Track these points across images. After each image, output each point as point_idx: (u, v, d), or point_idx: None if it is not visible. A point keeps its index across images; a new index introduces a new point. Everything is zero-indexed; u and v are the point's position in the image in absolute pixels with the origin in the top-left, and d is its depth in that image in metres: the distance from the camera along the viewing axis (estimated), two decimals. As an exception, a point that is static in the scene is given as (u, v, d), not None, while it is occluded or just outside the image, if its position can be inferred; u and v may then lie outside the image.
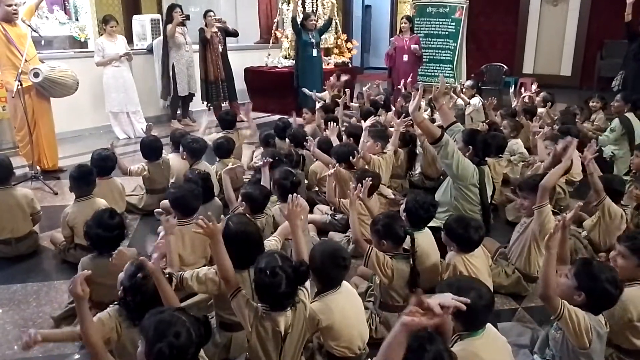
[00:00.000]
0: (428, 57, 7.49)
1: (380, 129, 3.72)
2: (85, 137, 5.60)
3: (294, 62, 6.85)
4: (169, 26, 5.73)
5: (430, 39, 7.69)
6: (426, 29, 7.73)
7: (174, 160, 3.59)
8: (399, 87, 5.77)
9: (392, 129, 3.68)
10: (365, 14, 12.11)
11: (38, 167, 4.05)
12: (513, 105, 5.11)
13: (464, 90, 5.62)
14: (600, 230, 2.70)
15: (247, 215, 2.37)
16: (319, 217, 3.22)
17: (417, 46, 6.49)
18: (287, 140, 3.89)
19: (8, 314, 2.33)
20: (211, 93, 6.19)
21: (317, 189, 3.53)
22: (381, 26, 11.54)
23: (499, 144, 3.50)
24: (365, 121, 3.95)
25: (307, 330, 1.73)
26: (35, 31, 3.93)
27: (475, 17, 8.91)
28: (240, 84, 6.93)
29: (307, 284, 1.76)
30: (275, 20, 7.64)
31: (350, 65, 8.04)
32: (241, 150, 4.22)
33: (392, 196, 3.26)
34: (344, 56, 7.88)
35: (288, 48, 7.32)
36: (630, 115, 4.36)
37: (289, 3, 7.22)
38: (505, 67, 8.15)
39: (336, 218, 3.11)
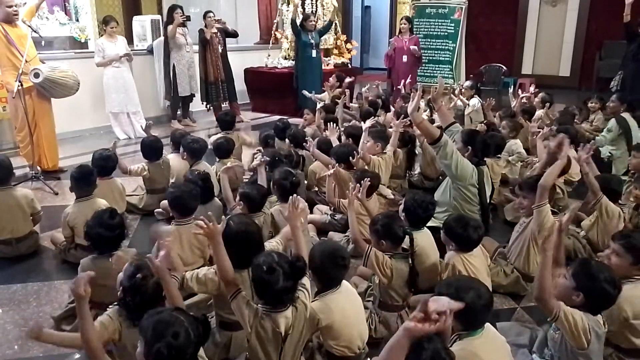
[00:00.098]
0: (427, 57, 7.50)
1: (381, 129, 3.74)
2: (85, 137, 5.60)
3: (293, 62, 6.86)
4: (170, 27, 5.74)
5: (429, 40, 7.70)
6: (425, 29, 7.75)
7: (174, 160, 3.60)
8: (398, 87, 5.78)
9: (391, 130, 3.69)
10: (365, 15, 12.12)
11: (38, 168, 4.06)
12: (512, 106, 5.12)
13: (462, 91, 5.64)
14: (598, 229, 2.71)
15: (245, 214, 2.38)
16: (319, 217, 3.23)
17: (416, 47, 6.50)
18: (287, 140, 3.90)
19: (8, 314, 2.33)
20: (211, 94, 6.20)
21: (316, 189, 3.54)
22: (380, 27, 11.56)
23: (497, 144, 3.51)
24: (364, 122, 3.96)
25: (307, 330, 1.73)
26: (35, 32, 3.94)
27: (475, 17, 8.93)
28: (240, 85, 6.94)
29: (308, 284, 1.76)
30: (275, 21, 7.66)
31: (349, 66, 8.06)
32: (241, 151, 4.23)
33: (392, 196, 3.27)
34: (343, 57, 7.89)
35: (288, 49, 7.33)
36: (626, 116, 4.38)
37: (288, 4, 7.23)
38: (504, 67, 8.16)
39: (336, 218, 3.12)
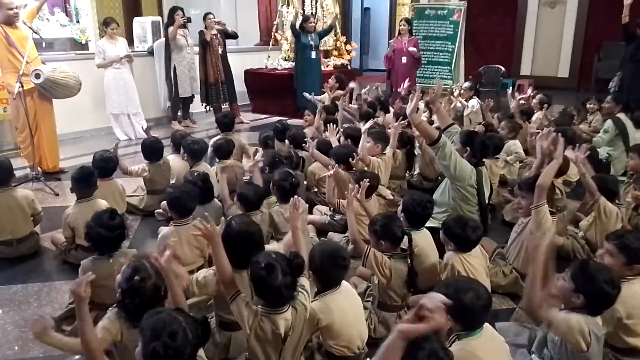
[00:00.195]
0: (426, 59, 7.51)
1: (381, 130, 3.75)
2: (86, 138, 5.61)
3: (293, 64, 6.87)
4: (171, 28, 5.76)
5: (428, 41, 7.72)
6: (425, 31, 7.77)
7: (175, 161, 3.61)
8: (398, 90, 5.80)
9: (389, 130, 3.70)
10: (364, 17, 12.13)
11: (39, 169, 4.07)
12: (511, 107, 5.14)
13: (461, 92, 5.65)
14: (596, 230, 2.72)
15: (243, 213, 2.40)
16: (318, 217, 3.24)
17: (415, 49, 6.52)
18: (286, 142, 3.91)
19: (9, 315, 2.34)
20: (211, 95, 6.21)
21: (316, 189, 3.55)
22: (380, 28, 11.56)
23: (496, 144, 3.52)
24: (363, 122, 3.97)
25: (307, 331, 1.74)
26: (36, 33, 3.95)
27: (474, 19, 8.94)
28: (240, 86, 6.95)
29: (307, 286, 1.77)
30: (275, 22, 7.67)
31: (349, 67, 8.07)
32: (241, 151, 4.23)
33: (391, 197, 3.28)
34: (343, 58, 7.91)
35: (288, 50, 7.34)
36: (621, 116, 4.40)
37: (288, 5, 7.25)
38: (503, 68, 8.17)
39: (335, 219, 3.13)
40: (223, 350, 1.97)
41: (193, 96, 6.27)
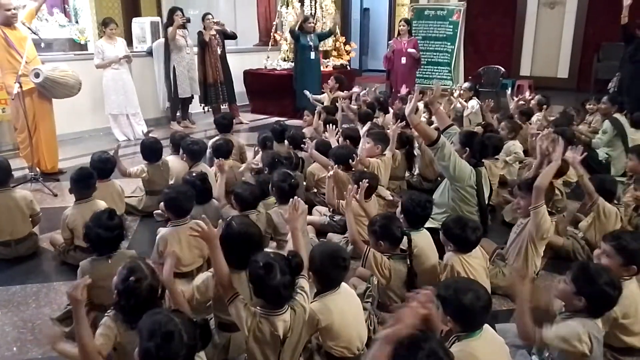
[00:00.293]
0: (426, 59, 7.52)
1: (381, 131, 3.75)
2: (85, 139, 5.60)
3: (292, 64, 6.87)
4: (170, 29, 5.76)
5: (428, 42, 7.73)
6: (424, 31, 7.77)
7: (174, 162, 3.60)
8: (398, 91, 5.80)
9: (388, 131, 3.70)
10: (364, 17, 12.15)
11: (38, 169, 4.06)
12: (510, 108, 5.14)
13: (461, 92, 5.65)
14: (596, 230, 2.72)
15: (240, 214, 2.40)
16: (318, 218, 3.24)
17: (414, 50, 6.52)
18: (285, 142, 3.90)
19: (7, 316, 2.33)
20: (210, 95, 6.21)
21: (315, 190, 3.54)
22: (379, 29, 11.58)
23: (495, 145, 3.52)
24: (362, 123, 3.97)
25: (306, 333, 1.74)
26: (35, 33, 3.95)
27: (473, 19, 8.95)
28: (239, 87, 6.95)
29: (307, 287, 1.76)
30: (274, 23, 7.67)
31: (348, 68, 8.07)
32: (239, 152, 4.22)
33: (391, 198, 3.28)
34: (342, 59, 7.91)
35: (287, 51, 7.34)
36: (618, 116, 4.40)
37: (287, 6, 7.25)
38: (503, 69, 8.19)
39: (335, 219, 3.13)
40: (222, 352, 1.97)
41: (192, 97, 6.27)
